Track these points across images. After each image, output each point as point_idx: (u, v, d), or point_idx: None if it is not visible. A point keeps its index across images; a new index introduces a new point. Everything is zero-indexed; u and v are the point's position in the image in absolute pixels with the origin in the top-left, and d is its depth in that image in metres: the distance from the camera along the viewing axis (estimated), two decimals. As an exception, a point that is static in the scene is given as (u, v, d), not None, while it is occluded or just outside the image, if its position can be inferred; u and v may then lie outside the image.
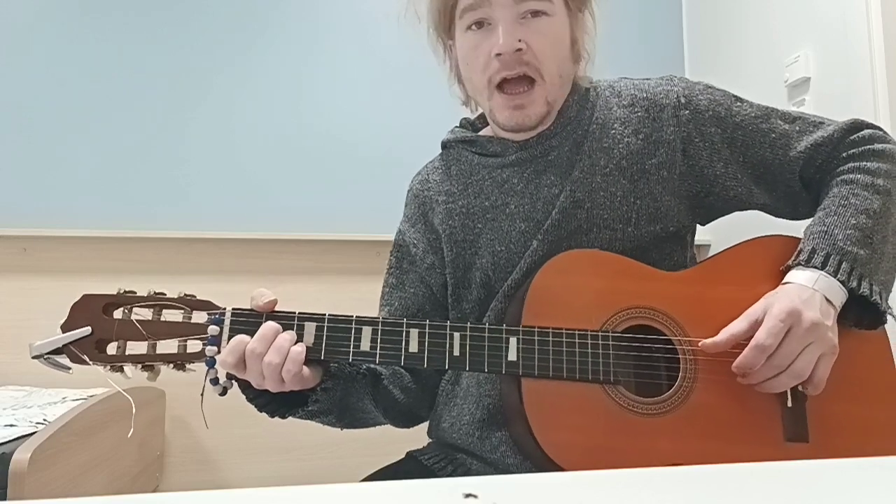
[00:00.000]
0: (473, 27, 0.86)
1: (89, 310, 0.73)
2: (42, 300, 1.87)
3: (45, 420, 1.36)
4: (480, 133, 0.98)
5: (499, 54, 0.83)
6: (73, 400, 1.57)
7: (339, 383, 0.82)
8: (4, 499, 1.12)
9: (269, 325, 0.73)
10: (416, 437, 1.00)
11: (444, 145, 1.01)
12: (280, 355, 0.72)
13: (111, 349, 0.74)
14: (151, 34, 2.05)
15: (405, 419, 0.96)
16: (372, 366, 0.88)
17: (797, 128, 0.89)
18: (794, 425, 0.76)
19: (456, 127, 1.02)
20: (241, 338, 0.72)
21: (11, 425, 1.30)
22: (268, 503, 0.40)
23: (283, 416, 0.82)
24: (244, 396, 0.80)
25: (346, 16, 2.15)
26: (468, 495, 0.39)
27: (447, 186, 0.95)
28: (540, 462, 0.73)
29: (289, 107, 2.09)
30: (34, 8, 2.00)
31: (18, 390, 1.73)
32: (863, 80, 1.56)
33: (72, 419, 1.31)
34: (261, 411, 0.81)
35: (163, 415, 1.89)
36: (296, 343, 0.74)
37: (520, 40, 0.83)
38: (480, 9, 0.84)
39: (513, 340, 0.75)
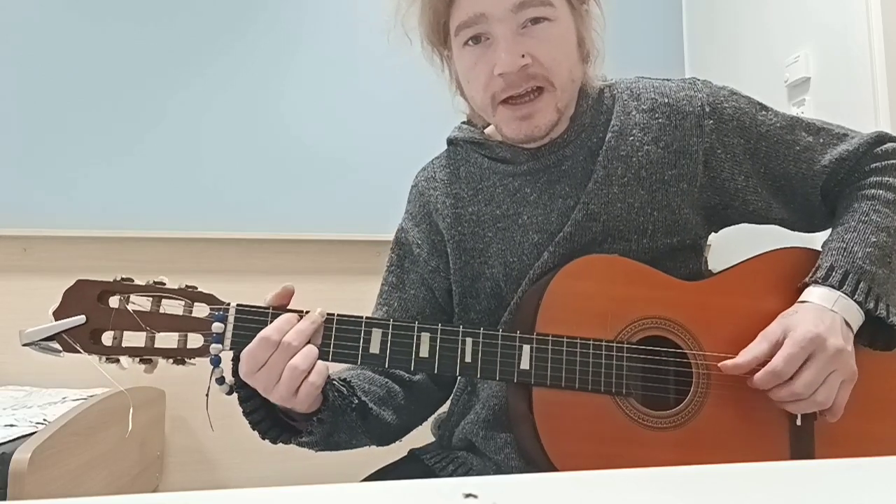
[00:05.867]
0: (470, 42, 0.81)
1: (84, 297, 0.69)
2: (42, 300, 1.82)
3: (45, 420, 1.36)
4: (488, 132, 0.93)
5: (502, 74, 0.78)
6: (73, 400, 1.57)
7: (332, 416, 0.77)
8: (4, 499, 1.12)
9: (287, 316, 0.70)
10: (418, 435, 0.99)
11: (451, 142, 0.95)
12: (308, 362, 0.69)
13: (106, 339, 0.70)
14: (153, 35, 2.05)
15: (398, 437, 0.93)
16: (359, 396, 0.83)
17: (821, 140, 0.86)
18: (800, 443, 0.75)
19: (463, 123, 0.96)
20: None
21: (11, 425, 1.30)
22: (268, 503, 0.40)
23: (274, 441, 0.78)
24: (241, 410, 0.77)
25: (334, 14, 2.14)
26: (468, 495, 0.39)
27: (455, 189, 0.91)
28: (546, 471, 0.72)
29: (288, 106, 2.09)
30: (34, 10, 2.00)
31: (18, 390, 1.73)
32: (863, 80, 1.56)
33: (72, 419, 1.31)
34: (254, 429, 0.78)
35: (163, 415, 1.89)
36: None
37: (524, 55, 0.78)
38: (476, 25, 0.79)
39: (526, 348, 0.73)
